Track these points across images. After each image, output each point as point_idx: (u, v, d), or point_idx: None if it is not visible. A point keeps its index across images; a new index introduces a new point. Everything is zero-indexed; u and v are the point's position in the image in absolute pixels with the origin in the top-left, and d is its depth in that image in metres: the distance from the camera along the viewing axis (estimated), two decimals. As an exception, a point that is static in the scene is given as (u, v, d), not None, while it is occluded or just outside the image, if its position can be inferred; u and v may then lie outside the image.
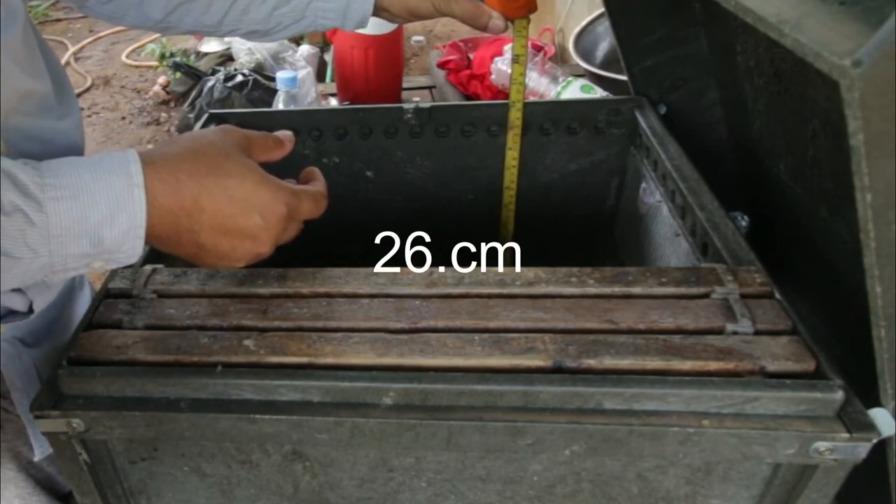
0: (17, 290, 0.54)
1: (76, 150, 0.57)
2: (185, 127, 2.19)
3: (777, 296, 0.48)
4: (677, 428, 0.42)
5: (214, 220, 0.44)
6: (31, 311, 0.56)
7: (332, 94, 1.44)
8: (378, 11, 0.68)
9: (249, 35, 0.70)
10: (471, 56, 1.45)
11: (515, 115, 0.73)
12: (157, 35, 3.43)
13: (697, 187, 0.62)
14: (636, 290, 0.50)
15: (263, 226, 0.46)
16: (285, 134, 0.52)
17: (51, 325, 0.62)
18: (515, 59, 0.70)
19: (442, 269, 0.52)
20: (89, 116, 2.88)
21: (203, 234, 0.45)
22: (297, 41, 2.54)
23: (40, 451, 0.63)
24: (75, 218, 0.40)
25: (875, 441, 0.41)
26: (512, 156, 0.76)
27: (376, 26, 1.21)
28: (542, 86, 1.24)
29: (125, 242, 0.42)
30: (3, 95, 0.47)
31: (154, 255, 0.57)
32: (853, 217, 0.35)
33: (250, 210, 0.45)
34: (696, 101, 0.77)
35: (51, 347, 0.61)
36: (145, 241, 0.43)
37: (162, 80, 2.96)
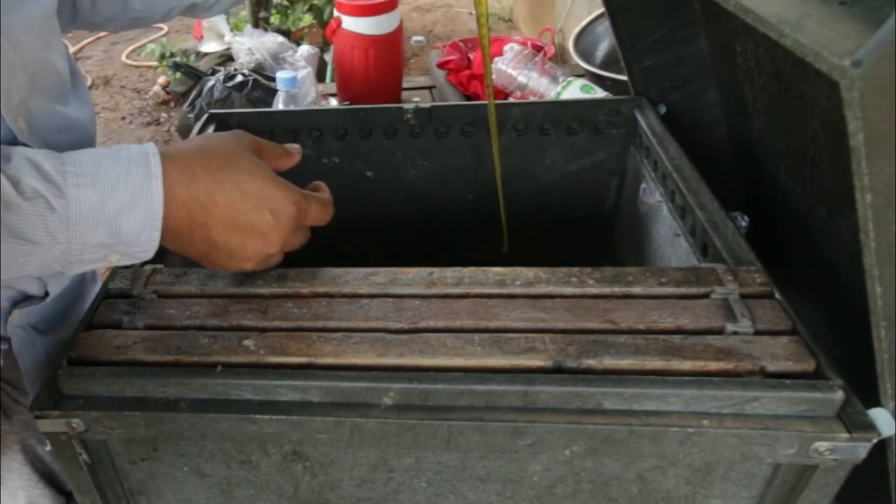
0: None
1: (91, 144, 0.59)
2: (184, 127, 2.19)
3: (777, 296, 0.48)
4: (677, 428, 0.42)
5: (227, 214, 0.45)
6: (46, 295, 0.57)
7: (332, 94, 1.44)
8: None
9: (190, 10, 0.70)
10: (471, 56, 1.45)
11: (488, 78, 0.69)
12: (158, 35, 3.43)
13: (697, 187, 0.62)
14: (636, 290, 0.50)
15: (274, 223, 0.47)
16: (293, 146, 0.53)
17: (63, 314, 0.63)
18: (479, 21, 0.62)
19: (442, 269, 0.52)
20: (89, 116, 2.88)
21: (215, 229, 0.45)
22: (297, 41, 2.54)
23: None
24: (94, 205, 0.41)
25: (875, 441, 0.41)
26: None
27: (376, 26, 1.21)
28: (542, 86, 1.24)
29: (141, 234, 0.43)
30: (24, 62, 0.48)
31: (154, 255, 0.57)
32: (853, 217, 0.35)
33: (262, 207, 0.46)
34: (696, 101, 0.77)
35: (62, 337, 0.62)
36: (160, 236, 0.43)
37: (162, 80, 2.96)
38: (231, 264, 0.48)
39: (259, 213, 0.46)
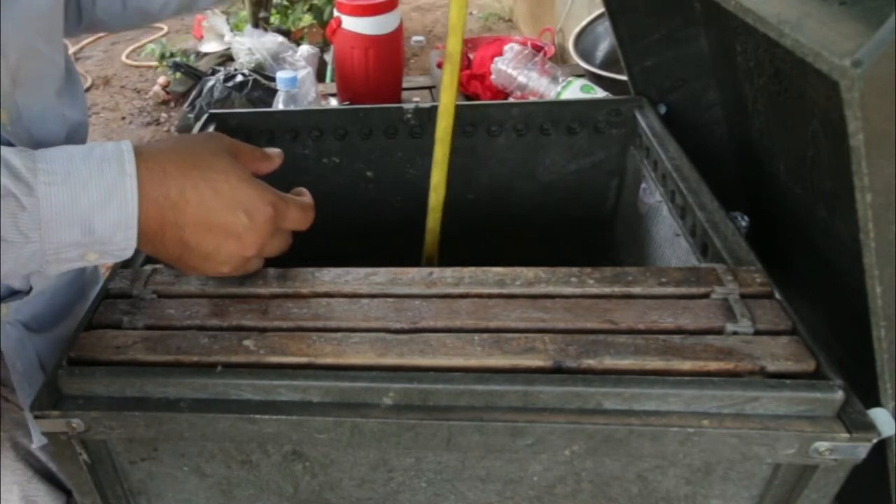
0: None
1: (83, 142, 0.58)
2: (185, 127, 2.19)
3: (777, 296, 0.48)
4: (677, 428, 0.42)
5: (199, 213, 0.44)
6: (30, 289, 0.57)
7: (332, 94, 1.44)
8: None
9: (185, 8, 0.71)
10: (471, 56, 1.44)
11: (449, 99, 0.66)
12: (158, 35, 3.43)
13: (697, 187, 0.62)
14: (636, 290, 0.50)
15: (249, 225, 0.45)
16: (273, 150, 0.52)
17: (56, 314, 0.63)
18: None
19: (442, 269, 0.52)
20: (89, 116, 2.88)
21: (188, 229, 0.44)
22: (297, 41, 2.54)
23: (38, 439, 0.63)
24: (65, 203, 0.40)
25: (875, 441, 0.41)
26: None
27: (376, 26, 1.21)
28: (542, 86, 1.24)
29: (117, 233, 0.42)
30: (8, 55, 0.48)
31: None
32: (853, 217, 0.35)
33: (235, 206, 0.45)
34: (696, 101, 0.77)
35: (57, 337, 0.62)
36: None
37: (162, 80, 2.96)
38: (206, 267, 0.47)
39: (233, 213, 0.45)
